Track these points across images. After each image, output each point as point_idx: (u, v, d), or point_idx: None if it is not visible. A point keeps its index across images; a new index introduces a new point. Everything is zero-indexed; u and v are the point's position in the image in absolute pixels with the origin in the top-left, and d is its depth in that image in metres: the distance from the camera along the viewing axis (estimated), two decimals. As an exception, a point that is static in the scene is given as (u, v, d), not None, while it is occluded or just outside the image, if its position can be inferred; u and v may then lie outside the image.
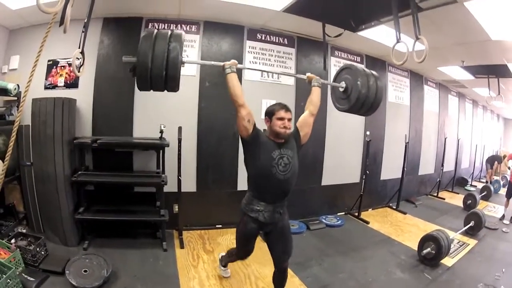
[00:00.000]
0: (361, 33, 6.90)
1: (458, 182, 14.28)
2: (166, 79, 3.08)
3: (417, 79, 10.91)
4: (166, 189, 5.99)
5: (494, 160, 15.51)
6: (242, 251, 4.28)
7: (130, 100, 6.27)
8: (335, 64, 8.03)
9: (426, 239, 6.06)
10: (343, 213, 8.42)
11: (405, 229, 7.94)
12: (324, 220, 7.72)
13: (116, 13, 6.16)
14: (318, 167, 8.03)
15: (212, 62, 3.83)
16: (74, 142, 5.61)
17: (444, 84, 12.52)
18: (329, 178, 8.13)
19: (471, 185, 14.91)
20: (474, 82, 11.26)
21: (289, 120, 3.77)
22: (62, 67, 6.14)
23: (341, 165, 7.92)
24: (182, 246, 5.90)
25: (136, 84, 3.26)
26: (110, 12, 6.11)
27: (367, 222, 8.08)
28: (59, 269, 4.46)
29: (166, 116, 6.30)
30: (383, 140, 9.51)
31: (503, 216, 9.43)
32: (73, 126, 5.78)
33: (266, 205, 3.68)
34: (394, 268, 5.76)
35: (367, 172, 8.34)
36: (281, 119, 3.73)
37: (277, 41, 7.27)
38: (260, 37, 7.11)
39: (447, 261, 6.08)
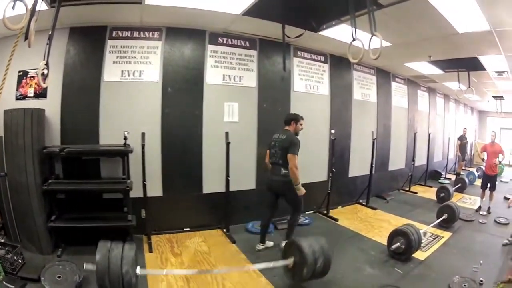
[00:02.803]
0: (322, 32, 6.96)
1: (431, 175, 14.52)
2: None
3: (384, 76, 11.13)
4: (133, 194, 6.05)
5: (463, 143, 15.49)
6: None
7: (96, 108, 6.31)
8: (298, 65, 8.21)
9: (395, 234, 6.11)
10: (312, 211, 8.50)
11: (376, 224, 8.04)
12: (292, 219, 7.75)
13: (82, 23, 6.18)
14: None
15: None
16: (43, 151, 5.64)
17: (413, 80, 12.75)
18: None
19: (445, 178, 15.16)
20: (444, 76, 11.46)
21: None
22: (32, 78, 6.13)
23: (307, 164, 7.82)
24: (151, 250, 5.97)
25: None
26: (76, 22, 6.13)
27: (336, 220, 8.16)
28: (35, 276, 4.53)
29: (131, 123, 6.35)
30: (349, 137, 9.65)
31: (480, 207, 9.61)
32: (43, 135, 5.81)
33: None
34: (363, 264, 5.82)
35: (334, 170, 8.41)
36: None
37: (238, 44, 7.36)
38: (222, 40, 7.19)
39: (420, 255, 6.13)
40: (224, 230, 6.99)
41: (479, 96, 15.98)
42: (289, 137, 5.94)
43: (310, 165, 7.82)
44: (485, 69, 9.63)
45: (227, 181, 6.93)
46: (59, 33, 5.66)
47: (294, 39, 6.80)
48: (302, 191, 5.84)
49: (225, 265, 5.55)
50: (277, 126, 7.65)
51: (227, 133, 6.79)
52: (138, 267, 3.69)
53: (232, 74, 7.26)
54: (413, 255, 6.05)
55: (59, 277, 4.46)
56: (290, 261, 4.60)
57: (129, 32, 6.51)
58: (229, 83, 7.24)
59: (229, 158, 6.88)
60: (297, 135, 6.13)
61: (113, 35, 6.42)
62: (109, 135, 6.31)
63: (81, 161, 6.16)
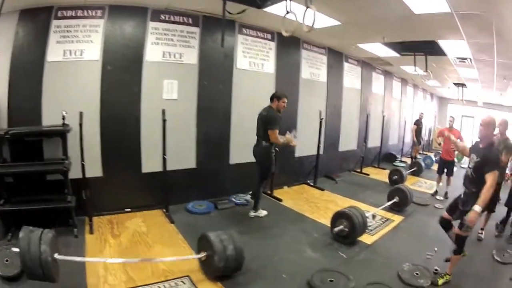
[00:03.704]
0: (268, 9, 6.69)
1: (386, 158, 14.78)
2: (44, 277, 3.76)
3: (336, 56, 11.14)
4: (75, 175, 6.05)
5: (419, 127, 15.48)
6: (268, 177, 7.31)
7: (39, 88, 6.17)
8: (242, 42, 8.16)
9: (339, 216, 6.07)
10: (255, 190, 8.38)
11: (322, 206, 8.07)
12: (233, 199, 7.78)
13: (31, 4, 6.02)
14: (224, 145, 8.12)
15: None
16: (-10, 135, 5.56)
17: (368, 62, 12.83)
18: (237, 156, 8.21)
19: (400, 161, 15.36)
20: (401, 59, 11.41)
21: None
22: (-18, 61, 6.03)
23: (249, 143, 7.65)
24: (91, 232, 5.92)
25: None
26: (25, 4, 5.98)
27: (280, 200, 8.19)
28: (-11, 261, 4.54)
29: (73, 102, 6.23)
30: (295, 117, 9.66)
31: (436, 192, 9.74)
32: (-10, 119, 5.72)
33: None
34: (305, 247, 5.81)
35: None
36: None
37: (181, 20, 7.24)
38: (164, 17, 7.06)
39: (367, 239, 6.15)
40: (164, 210, 6.94)
41: (439, 82, 16.17)
42: (269, 113, 6.80)
43: (250, 143, 7.71)
44: (445, 55, 9.50)
45: (164, 160, 6.88)
46: (9, 17, 5.69)
47: (238, 16, 6.73)
48: (291, 140, 7.00)
49: (162, 245, 5.53)
50: (218, 103, 7.79)
51: (163, 111, 6.72)
52: (56, 254, 3.90)
53: (172, 51, 7.15)
54: (360, 238, 6.03)
55: (7, 260, 4.48)
56: (202, 254, 4.65)
57: (74, 11, 6.33)
58: (169, 60, 7.13)
59: (166, 136, 6.83)
60: (280, 112, 6.94)
61: (58, 15, 6.25)
62: (52, 116, 6.15)
63: (26, 143, 6.02)
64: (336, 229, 5.93)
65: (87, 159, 6.22)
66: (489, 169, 4.33)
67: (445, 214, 5.09)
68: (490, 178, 4.28)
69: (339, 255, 5.54)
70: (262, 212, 7.17)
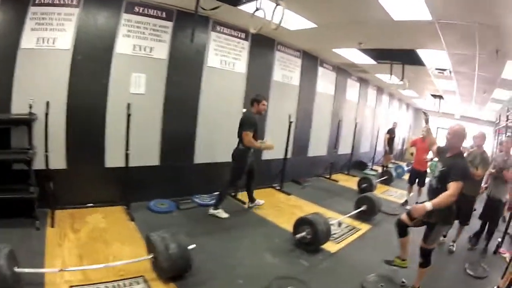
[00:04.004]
0: (243, 7, 6.63)
1: (356, 165, 14.83)
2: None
3: (311, 60, 11.18)
4: (40, 166, 6.05)
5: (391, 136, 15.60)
6: (239, 179, 7.38)
7: (10, 76, 6.03)
8: (214, 39, 8.11)
9: (302, 223, 6.01)
10: (218, 192, 7.87)
11: (287, 210, 8.05)
12: (196, 200, 7.72)
13: None
14: (189, 144, 8.04)
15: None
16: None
17: (344, 68, 12.88)
18: (202, 155, 8.17)
19: (371, 169, 15.50)
20: (377, 67, 11.46)
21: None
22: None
23: (215, 143, 7.97)
24: (53, 225, 5.83)
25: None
26: None
27: (244, 202, 8.10)
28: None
29: (42, 91, 6.18)
30: (264, 118, 9.53)
31: (406, 201, 9.83)
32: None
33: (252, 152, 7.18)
34: (265, 252, 5.73)
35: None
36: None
37: (154, 14, 7.18)
38: (138, 10, 6.99)
39: (331, 247, 6.10)
40: (126, 207, 6.87)
41: (416, 93, 16.41)
42: (245, 116, 7.12)
43: (216, 143, 7.86)
44: (424, 65, 9.50)
45: (127, 156, 6.84)
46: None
47: (212, 12, 6.69)
48: (268, 145, 7.39)
49: (120, 243, 5.47)
50: (185, 100, 7.80)
51: (129, 105, 6.67)
52: (16, 267, 3.87)
53: (143, 44, 7.08)
54: (324, 246, 5.97)
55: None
56: (150, 256, 4.66)
57: (50, -1, 6.32)
58: (139, 53, 7.06)
59: (130, 130, 6.79)
60: (261, 114, 7.33)
61: (36, 2, 6.16)
62: (22, 104, 6.04)
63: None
64: (298, 235, 5.88)
65: (52, 150, 6.21)
66: (453, 179, 4.23)
67: (405, 217, 4.89)
68: (453, 187, 4.17)
69: (301, 262, 5.47)
70: (222, 214, 7.13)
